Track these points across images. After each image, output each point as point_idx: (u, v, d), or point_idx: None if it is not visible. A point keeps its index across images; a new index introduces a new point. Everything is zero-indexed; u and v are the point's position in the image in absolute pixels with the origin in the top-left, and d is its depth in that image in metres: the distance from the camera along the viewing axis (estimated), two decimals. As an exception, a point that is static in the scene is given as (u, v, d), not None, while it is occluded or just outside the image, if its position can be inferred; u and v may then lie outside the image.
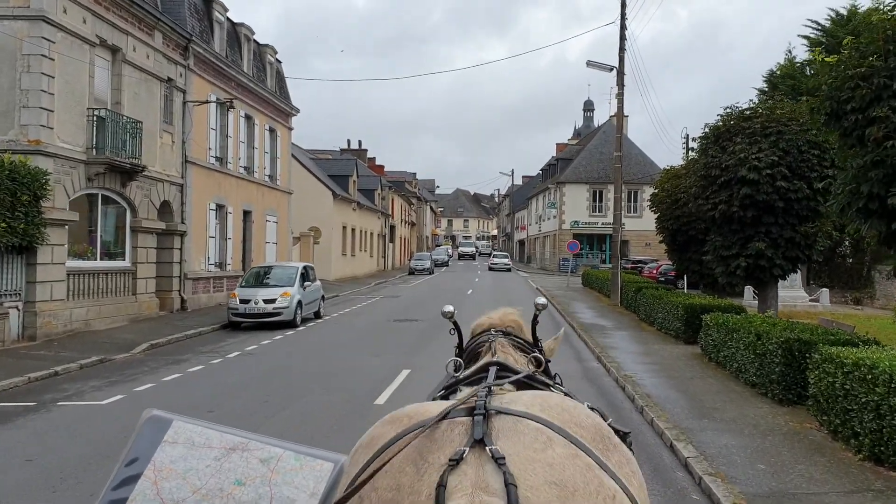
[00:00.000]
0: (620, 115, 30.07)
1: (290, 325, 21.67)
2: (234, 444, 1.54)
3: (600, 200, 68.28)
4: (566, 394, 2.46)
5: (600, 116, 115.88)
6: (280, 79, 35.09)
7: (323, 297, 25.28)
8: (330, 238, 43.74)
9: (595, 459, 1.75)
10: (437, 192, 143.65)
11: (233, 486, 1.47)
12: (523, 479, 1.58)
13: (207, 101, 24.90)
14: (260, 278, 23.27)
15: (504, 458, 1.62)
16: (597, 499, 1.63)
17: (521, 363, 2.69)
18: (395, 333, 20.42)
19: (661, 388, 12.82)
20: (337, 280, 44.50)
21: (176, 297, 24.42)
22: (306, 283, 22.86)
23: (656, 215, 28.01)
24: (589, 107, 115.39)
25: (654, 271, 50.28)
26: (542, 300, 2.96)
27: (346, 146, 69.67)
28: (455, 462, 1.62)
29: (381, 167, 76.85)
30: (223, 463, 1.50)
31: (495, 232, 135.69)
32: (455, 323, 3.00)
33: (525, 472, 1.61)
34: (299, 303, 22.09)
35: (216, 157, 27.70)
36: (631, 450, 2.12)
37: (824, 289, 35.30)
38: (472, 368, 2.63)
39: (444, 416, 1.79)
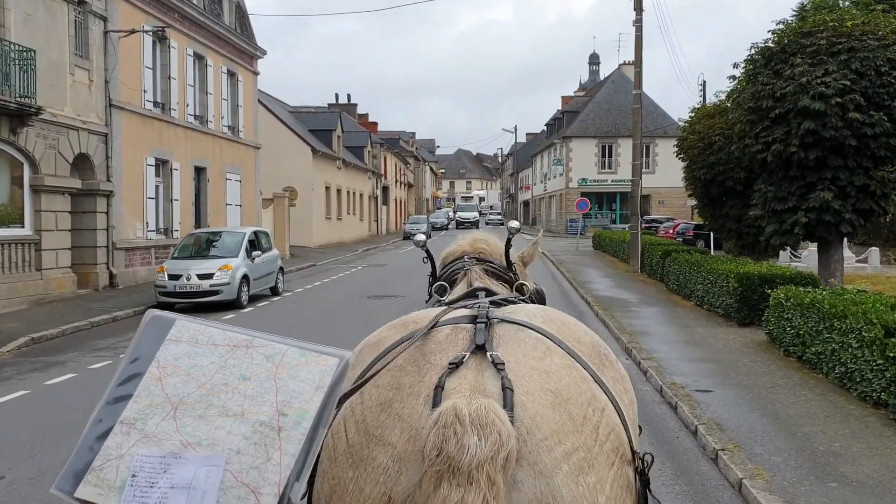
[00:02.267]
0: (639, 46, 25.29)
1: (234, 305, 17.26)
2: (237, 341, 1.52)
3: (610, 156, 63.60)
4: None
5: (606, 71, 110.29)
6: (241, 14, 30.26)
7: (282, 269, 20.84)
8: (310, 200, 39.16)
9: (590, 373, 1.87)
10: (438, 152, 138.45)
11: (238, 381, 1.46)
12: (520, 385, 1.70)
13: (133, 31, 20.17)
14: (197, 248, 18.81)
15: (504, 363, 1.73)
16: (588, 409, 1.75)
17: (500, 290, 2.67)
18: (363, 316, 15.99)
19: (734, 410, 8.37)
20: (320, 247, 40.03)
21: (102, 272, 20.00)
22: (255, 254, 18.39)
23: (684, 163, 23.34)
24: (594, 60, 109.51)
25: (671, 231, 45.81)
26: (514, 224, 2.94)
27: (333, 101, 64.66)
28: (455, 365, 1.74)
29: (374, 124, 71.90)
30: (227, 360, 1.49)
31: (495, 200, 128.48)
32: (428, 251, 3.00)
33: (522, 378, 1.73)
34: (245, 278, 17.65)
35: (155, 102, 23.08)
36: None
37: (873, 248, 30.70)
38: (458, 293, 2.64)
39: (447, 322, 1.92)
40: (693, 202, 63.77)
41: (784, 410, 8.29)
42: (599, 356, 2.03)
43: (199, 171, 26.19)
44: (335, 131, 44.75)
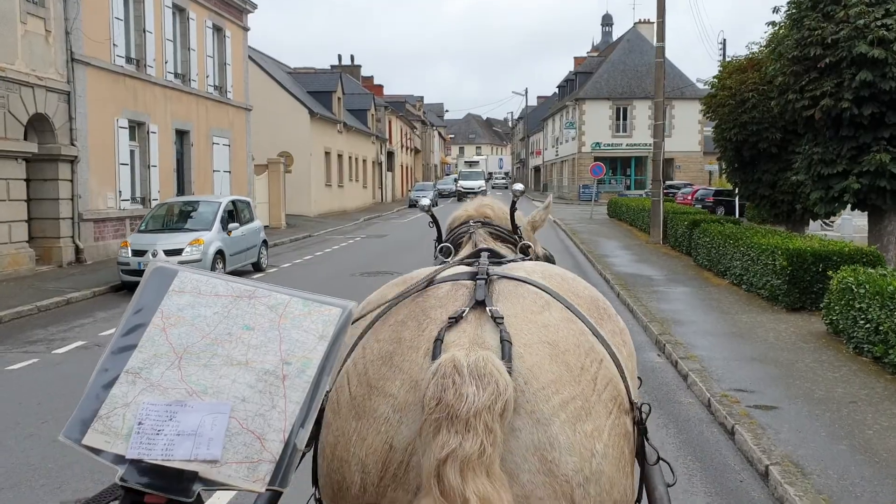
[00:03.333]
0: (663, -7, 22.83)
1: (207, 284, 15.26)
2: (240, 292, 1.52)
3: (624, 119, 61.05)
4: None
5: (619, 32, 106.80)
6: (227, -38, 27.88)
7: (265, 242, 18.78)
8: (308, 166, 37.01)
9: (588, 326, 1.90)
10: (447, 117, 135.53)
11: (242, 330, 1.47)
12: (518, 337, 1.74)
13: (95, -25, 17.94)
14: (169, 219, 16.80)
15: (502, 317, 1.77)
16: (585, 359, 1.78)
17: (505, 252, 2.67)
18: (350, 297, 13.98)
19: (811, 439, 6.33)
20: (319, 216, 37.98)
21: (67, 247, 18.04)
22: (232, 226, 16.34)
23: (713, 123, 21.05)
24: (607, 21, 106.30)
25: (690, 197, 43.54)
26: (519, 186, 2.99)
27: (336, 63, 62.09)
28: (455, 320, 1.77)
29: (380, 87, 69.33)
30: (231, 310, 1.50)
31: (496, 167, 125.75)
32: (433, 216, 3.03)
33: (521, 331, 1.77)
34: (219, 253, 15.63)
35: (128, 57, 20.91)
36: None
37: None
38: (462, 255, 2.63)
39: (447, 279, 1.96)
40: (711, 167, 61.31)
41: (879, 441, 6.23)
42: (598, 310, 2.06)
43: (182, 135, 24.08)
44: (335, 93, 42.39)
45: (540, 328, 1.80)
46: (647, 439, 2.00)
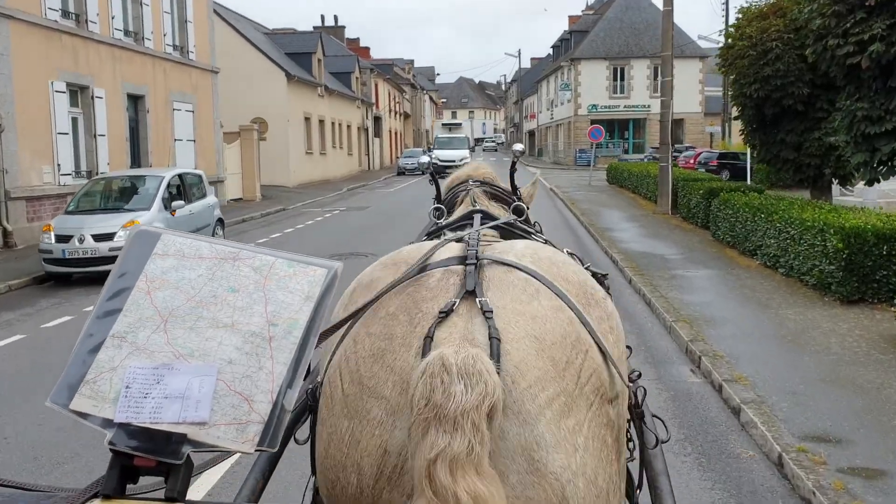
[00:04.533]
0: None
1: (146, 274, 12.97)
2: (224, 254, 1.51)
3: (622, 79, 58.51)
4: (546, 242, 2.57)
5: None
6: None
7: (221, 221, 16.46)
8: (286, 133, 34.49)
9: (577, 314, 1.88)
10: (438, 80, 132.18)
11: (227, 293, 1.46)
12: (507, 332, 1.73)
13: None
14: (105, 198, 14.45)
15: (492, 311, 1.75)
16: (571, 352, 1.78)
17: (499, 213, 2.76)
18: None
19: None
20: (299, 186, 35.56)
21: (-6, 229, 15.71)
22: (177, 204, 13.99)
23: (730, 77, 18.64)
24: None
25: (692, 160, 41.22)
26: (518, 146, 3.11)
27: (319, 24, 59.00)
28: (445, 314, 1.75)
29: (366, 49, 66.40)
30: (215, 272, 1.48)
31: (488, 131, 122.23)
32: (433, 174, 3.22)
33: (509, 325, 1.75)
34: (161, 237, 13.29)
35: (64, 11, 18.34)
36: (609, 293, 2.39)
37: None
38: (455, 215, 2.75)
39: (438, 264, 1.96)
40: (713, 128, 58.73)
41: None
42: (586, 295, 2.05)
43: (135, 100, 21.61)
44: (315, 54, 39.65)
45: (528, 320, 1.80)
46: (645, 423, 2.03)
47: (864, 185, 13.04)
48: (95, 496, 1.29)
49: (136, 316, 1.45)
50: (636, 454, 2.15)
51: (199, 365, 1.38)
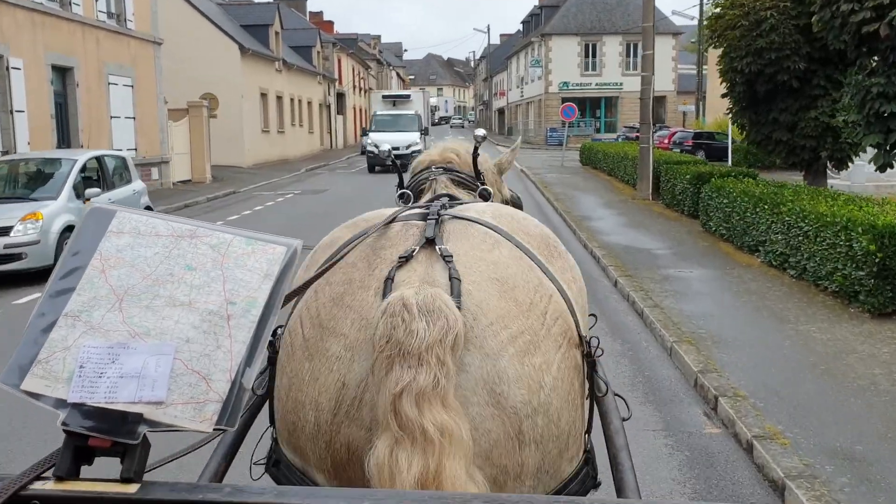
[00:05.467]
0: None
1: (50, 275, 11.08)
2: (181, 231, 1.46)
3: (594, 56, 56.94)
4: None
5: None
6: None
7: (149, 209, 14.46)
8: (240, 110, 32.31)
9: (537, 263, 1.91)
10: (406, 57, 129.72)
11: (184, 271, 1.41)
12: (467, 275, 1.74)
13: None
14: (7, 184, 12.43)
15: (451, 255, 1.77)
16: (534, 296, 1.79)
17: (464, 199, 2.66)
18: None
19: None
20: (254, 166, 33.44)
21: None
22: (92, 192, 12.03)
23: (719, 50, 17.01)
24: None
25: (667, 140, 39.80)
26: (480, 131, 2.93)
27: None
28: (405, 259, 1.77)
29: (330, 23, 63.94)
30: (172, 250, 1.44)
31: (449, 109, 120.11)
32: (394, 162, 3.02)
33: (470, 269, 1.76)
34: (71, 230, 11.39)
35: (-29, -31, 16.10)
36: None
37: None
38: (422, 201, 2.63)
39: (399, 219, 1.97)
40: (686, 107, 57.35)
41: None
42: (548, 247, 2.07)
43: (62, 72, 19.43)
44: (272, 27, 37.34)
45: (489, 265, 1.81)
46: (597, 373, 2.02)
47: (877, 170, 11.49)
48: (38, 478, 1.23)
49: (91, 295, 1.39)
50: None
51: (155, 344, 1.34)
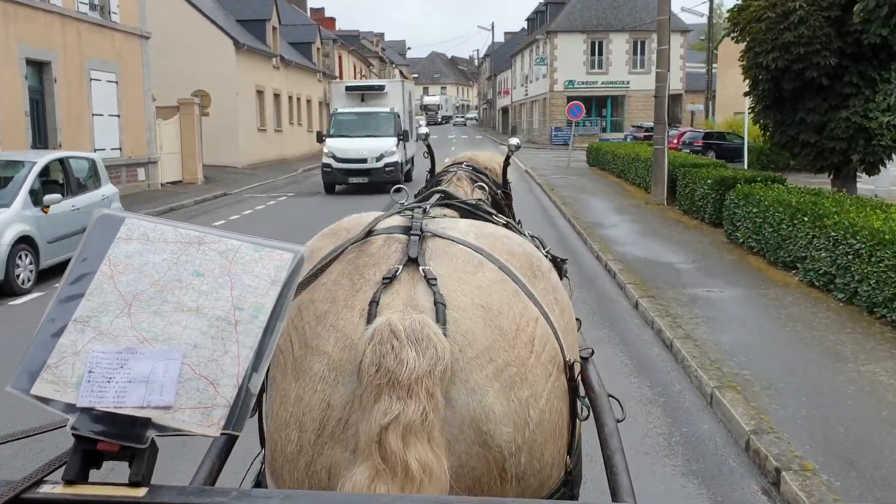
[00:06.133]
0: None
1: (2, 292, 9.89)
2: (190, 238, 1.47)
3: (600, 54, 55.57)
4: (507, 223, 2.55)
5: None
6: None
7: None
8: (235, 107, 31.10)
9: (521, 286, 1.87)
10: (410, 55, 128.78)
11: (192, 277, 1.43)
12: (452, 300, 1.71)
13: None
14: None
15: (436, 278, 1.73)
16: (520, 321, 1.77)
17: (459, 195, 2.76)
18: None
19: None
20: (250, 166, 32.24)
21: None
22: (51, 198, 10.81)
23: (743, 44, 15.76)
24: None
25: (676, 140, 38.53)
26: (515, 140, 3.10)
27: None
28: (388, 280, 1.74)
29: (331, 20, 62.77)
30: (180, 256, 1.45)
31: (450, 109, 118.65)
32: (429, 146, 3.22)
33: (454, 293, 1.73)
34: (26, 241, 10.22)
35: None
36: (566, 277, 2.53)
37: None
38: (418, 197, 2.76)
39: (380, 232, 1.95)
40: (695, 107, 56.04)
41: None
42: (531, 268, 2.03)
43: (39, 67, 18.24)
44: (269, 22, 36.12)
45: (473, 289, 1.77)
46: (580, 397, 1.99)
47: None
48: (42, 482, 1.24)
49: (100, 300, 1.41)
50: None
51: (163, 349, 1.35)
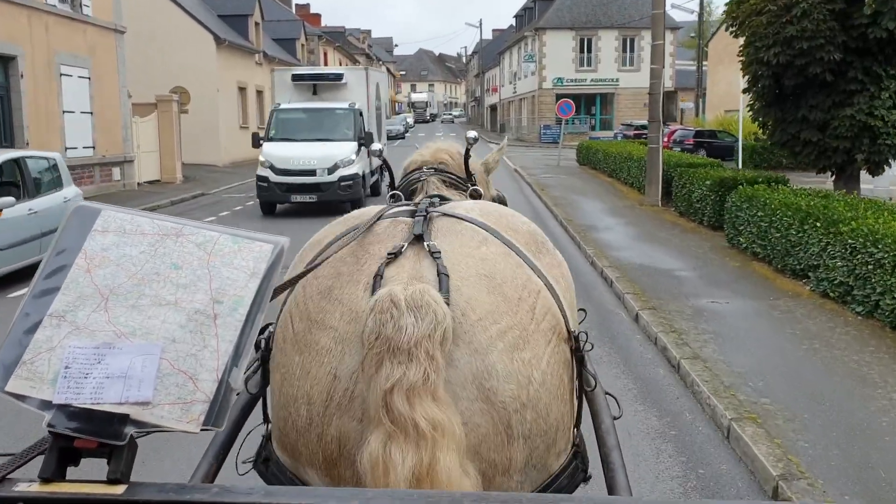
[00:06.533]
0: None
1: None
2: (167, 230, 1.46)
3: (589, 51, 55.00)
4: None
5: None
6: None
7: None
8: (216, 105, 30.21)
9: (525, 259, 1.91)
10: (397, 52, 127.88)
11: (170, 270, 1.41)
12: (456, 271, 1.74)
13: None
14: None
15: (440, 252, 1.77)
16: (523, 291, 1.79)
17: (454, 200, 2.65)
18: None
19: None
20: (232, 164, 31.37)
21: None
22: (4, 202, 9.98)
23: (742, 38, 15.10)
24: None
25: (666, 138, 37.94)
26: (472, 133, 2.89)
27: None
28: (394, 255, 1.76)
29: (317, 17, 61.88)
30: (158, 248, 1.43)
31: (434, 106, 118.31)
32: (384, 160, 2.96)
33: (458, 265, 1.76)
34: (-27, 250, 9.38)
35: None
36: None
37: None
38: (413, 202, 2.57)
39: (387, 216, 1.97)
40: (685, 105, 55.50)
41: None
42: (536, 244, 2.06)
43: (4, 62, 17.36)
44: (252, 17, 35.21)
45: (477, 261, 1.80)
46: (585, 368, 1.99)
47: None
48: (4, 479, 1.21)
49: (76, 294, 1.38)
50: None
51: (141, 344, 1.33)
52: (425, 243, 1.78)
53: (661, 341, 7.39)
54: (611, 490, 1.83)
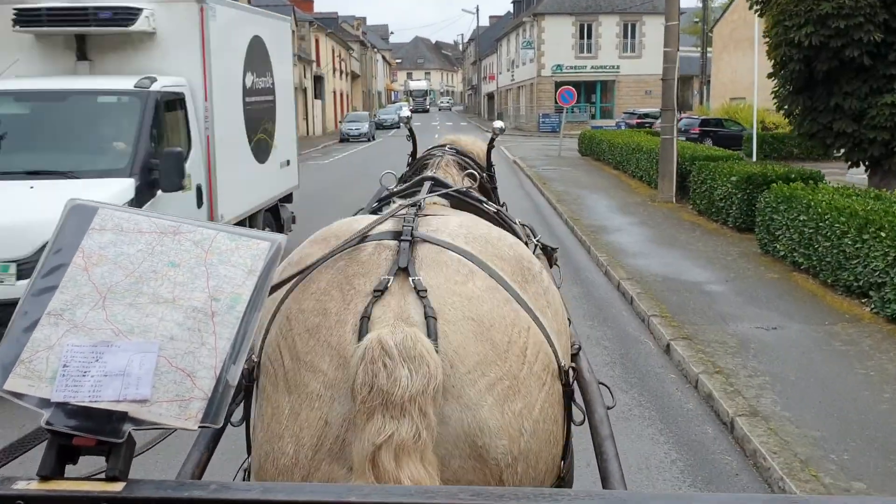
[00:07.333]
0: None
1: None
2: (164, 228, 1.45)
3: (589, 37, 53.43)
4: (498, 211, 2.63)
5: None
6: None
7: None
8: (198, 93, 28.56)
9: (512, 294, 1.85)
10: (393, 40, 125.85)
11: (167, 268, 1.41)
12: (443, 313, 1.69)
13: None
14: None
15: (426, 290, 1.71)
16: (512, 332, 1.75)
17: (450, 182, 2.73)
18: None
19: None
20: (216, 157, 29.79)
21: None
22: None
23: (770, 21, 13.58)
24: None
25: (671, 128, 36.53)
26: (499, 123, 3.14)
27: (252, -31, 52.42)
28: (380, 293, 1.71)
29: (309, 3, 60.04)
30: (155, 247, 1.43)
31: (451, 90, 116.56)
32: (410, 129, 3.17)
33: (445, 306, 1.71)
34: None
35: None
36: (556, 264, 2.68)
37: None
38: (407, 183, 2.75)
39: (370, 238, 1.92)
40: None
41: None
42: (522, 271, 2.01)
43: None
44: (240, 2, 33.58)
45: (464, 301, 1.74)
46: (574, 402, 1.98)
47: None
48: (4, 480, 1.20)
49: (74, 293, 1.37)
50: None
51: (139, 342, 1.33)
52: (410, 278, 1.74)
53: (702, 385, 5.94)
54: (604, 480, 1.87)
